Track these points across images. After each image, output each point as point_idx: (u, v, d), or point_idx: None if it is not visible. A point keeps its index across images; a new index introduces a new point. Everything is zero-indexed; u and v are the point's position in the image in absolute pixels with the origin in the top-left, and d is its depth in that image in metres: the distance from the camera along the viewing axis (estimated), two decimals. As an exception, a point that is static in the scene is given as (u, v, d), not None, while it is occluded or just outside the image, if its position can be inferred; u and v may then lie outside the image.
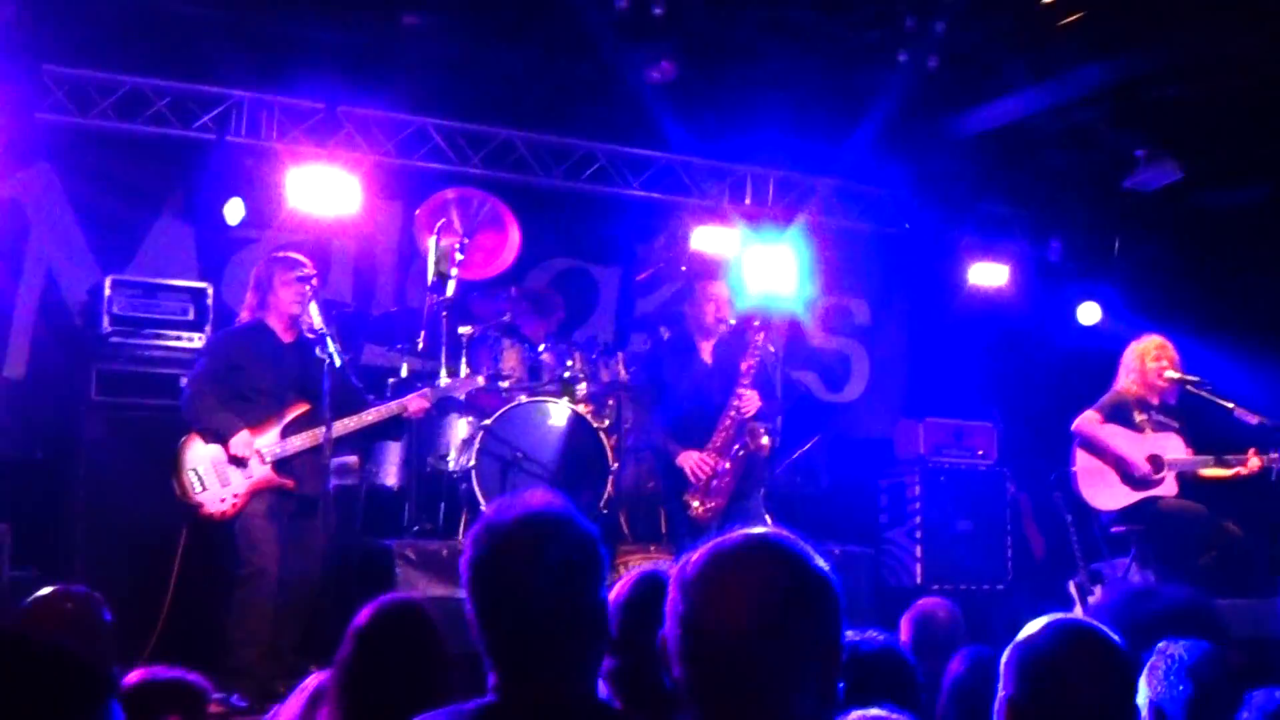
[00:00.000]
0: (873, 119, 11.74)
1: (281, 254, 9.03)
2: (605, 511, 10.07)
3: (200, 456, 8.53)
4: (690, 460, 9.34)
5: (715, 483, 9.30)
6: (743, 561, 2.54)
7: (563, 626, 3.09)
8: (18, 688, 1.77)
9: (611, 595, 3.69)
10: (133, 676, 4.71)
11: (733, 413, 9.33)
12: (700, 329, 9.72)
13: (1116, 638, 3.29)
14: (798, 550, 2.57)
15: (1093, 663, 3.19)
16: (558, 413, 10.11)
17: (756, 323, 9.65)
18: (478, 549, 3.16)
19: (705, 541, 2.63)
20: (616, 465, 10.13)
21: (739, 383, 9.35)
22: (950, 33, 9.64)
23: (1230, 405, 9.86)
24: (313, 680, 4.72)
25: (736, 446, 9.31)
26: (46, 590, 5.03)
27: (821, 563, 2.57)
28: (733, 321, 9.62)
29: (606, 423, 10.37)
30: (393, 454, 10.26)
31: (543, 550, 3.08)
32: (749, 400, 9.32)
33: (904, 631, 6.58)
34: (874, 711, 3.55)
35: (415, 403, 9.05)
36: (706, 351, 9.66)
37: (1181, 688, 4.27)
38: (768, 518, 9.65)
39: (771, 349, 9.96)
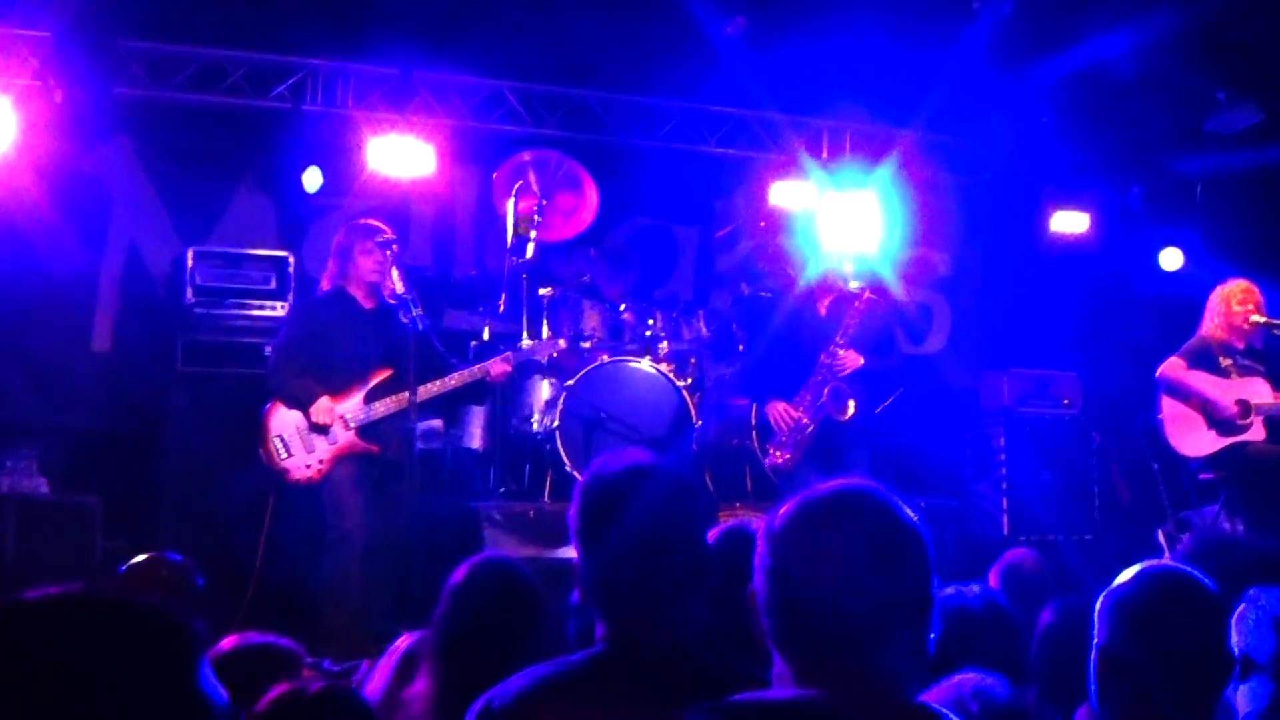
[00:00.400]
0: (949, 68, 11.66)
1: (361, 221, 9.06)
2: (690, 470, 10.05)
3: (285, 423, 8.59)
4: (776, 410, 9.32)
5: (794, 436, 9.27)
6: (831, 514, 2.53)
7: (666, 575, 3.11)
8: (120, 645, 1.79)
9: None
10: (226, 643, 4.74)
11: (824, 370, 9.29)
12: (820, 282, 9.63)
13: (1209, 583, 3.26)
14: (887, 502, 2.55)
15: (1186, 609, 3.17)
16: (640, 372, 10.12)
17: (862, 286, 9.57)
18: (586, 498, 3.20)
19: (791, 494, 2.62)
20: (700, 423, 10.13)
21: (834, 340, 9.29)
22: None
23: (1319, 347, 9.76)
24: (403, 642, 4.75)
25: (821, 406, 9.27)
26: (142, 557, 5.09)
27: (911, 514, 2.56)
28: (847, 279, 9.55)
29: (689, 380, 10.38)
30: (477, 417, 10.30)
31: (649, 499, 3.10)
32: (844, 359, 9.26)
33: (992, 582, 6.56)
34: (966, 676, 3.55)
35: (497, 367, 9.07)
36: (823, 305, 9.58)
37: (1271, 638, 4.24)
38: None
39: (879, 314, 9.81)
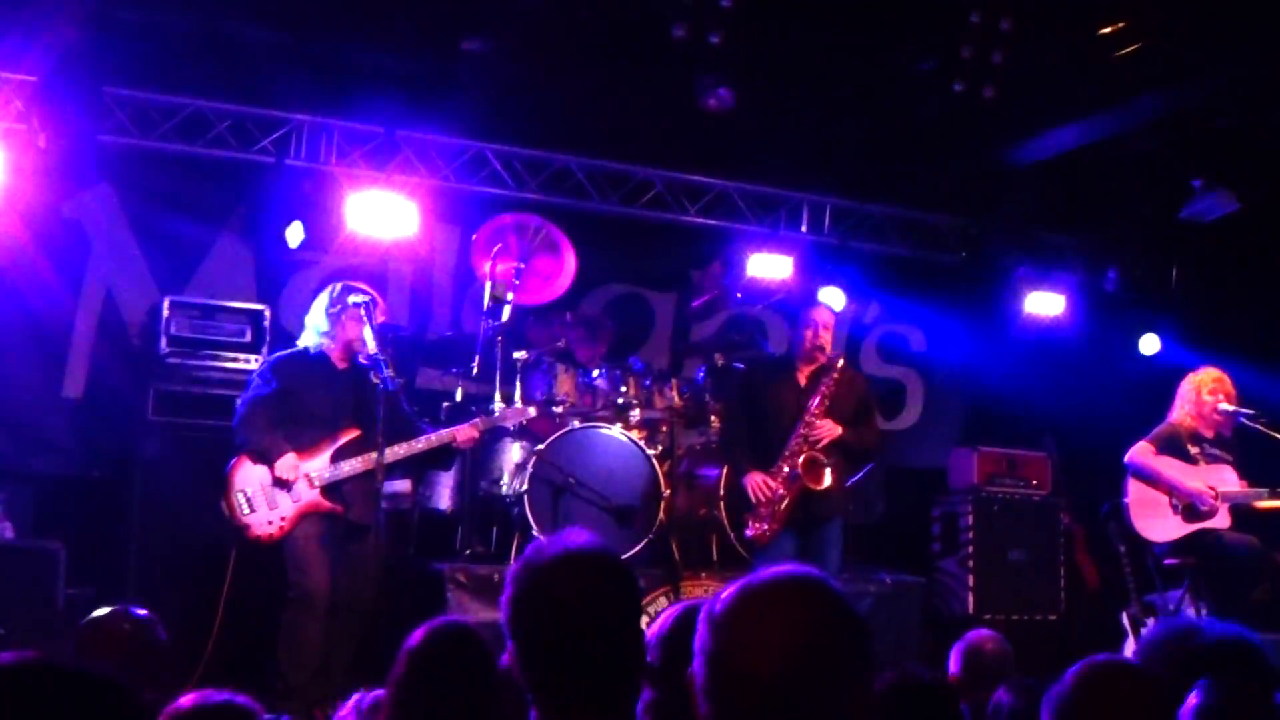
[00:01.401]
0: (929, 148, 11.74)
1: (341, 284, 9.06)
2: (656, 537, 10.07)
3: (250, 478, 8.58)
4: (753, 481, 9.32)
5: (771, 508, 9.26)
6: (772, 601, 2.51)
7: (600, 662, 3.11)
8: (71, 716, 1.80)
9: (652, 629, 3.72)
10: (184, 700, 4.74)
11: (799, 440, 9.29)
12: (800, 353, 9.65)
13: (1150, 675, 3.28)
14: (830, 591, 2.54)
15: (1123, 704, 3.18)
16: (611, 439, 10.13)
17: (839, 356, 9.60)
18: (517, 588, 3.20)
19: (754, 568, 2.62)
20: (669, 491, 10.13)
21: (809, 410, 9.30)
22: (1007, 62, 9.61)
23: (1286, 438, 9.80)
24: (353, 702, 4.77)
25: (795, 473, 9.26)
26: (104, 610, 5.07)
27: (850, 607, 2.54)
28: (828, 350, 9.56)
29: (660, 449, 10.39)
30: (446, 478, 10.29)
31: (579, 588, 3.10)
32: (821, 429, 9.27)
33: (953, 663, 6.57)
34: None
35: (464, 433, 9.06)
36: (803, 375, 9.59)
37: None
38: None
39: (856, 386, 9.81)
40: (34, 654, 1.87)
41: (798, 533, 9.34)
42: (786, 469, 9.26)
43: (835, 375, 9.38)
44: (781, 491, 9.25)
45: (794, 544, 9.30)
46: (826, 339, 9.56)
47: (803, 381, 9.53)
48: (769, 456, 9.36)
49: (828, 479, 9.23)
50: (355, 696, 4.99)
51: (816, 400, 9.31)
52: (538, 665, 3.12)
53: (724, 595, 2.55)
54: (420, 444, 8.84)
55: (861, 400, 9.68)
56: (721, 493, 10.30)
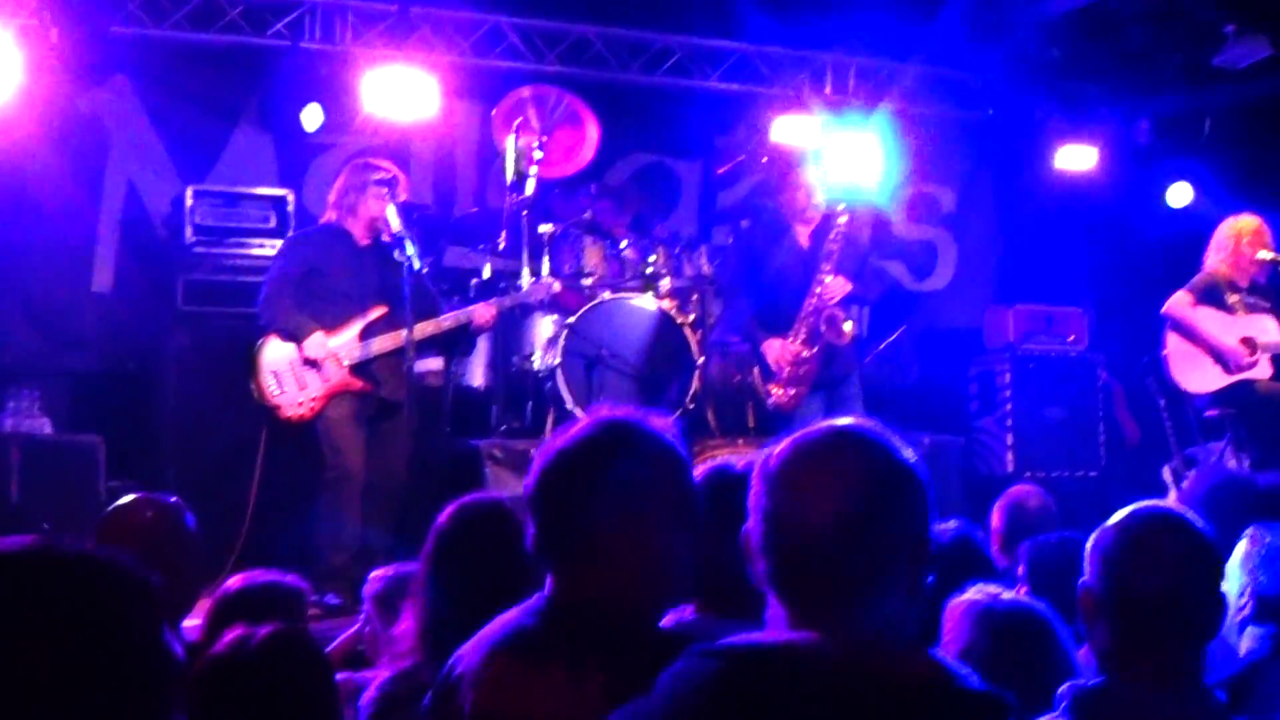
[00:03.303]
0: (956, 2, 11.56)
1: (361, 159, 9.01)
2: (691, 406, 10.05)
3: (277, 359, 8.55)
4: (773, 349, 9.28)
5: (796, 371, 9.23)
6: (827, 453, 2.49)
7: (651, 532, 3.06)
8: (76, 600, 1.76)
9: None
10: (232, 583, 4.74)
11: (814, 300, 9.23)
12: (795, 214, 9.58)
13: (1199, 523, 3.22)
14: (883, 441, 2.51)
15: (1170, 550, 3.13)
16: (641, 309, 10.07)
17: (840, 208, 9.50)
18: (541, 468, 3.13)
19: (789, 433, 2.59)
20: (702, 359, 10.08)
21: (819, 269, 9.25)
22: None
23: (1325, 285, 9.70)
24: (373, 583, 4.78)
25: (818, 334, 9.22)
26: (127, 499, 5.03)
27: (909, 453, 2.52)
28: (823, 207, 9.49)
29: (691, 317, 10.32)
30: (478, 354, 10.25)
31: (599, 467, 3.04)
32: (831, 287, 9.22)
33: (995, 519, 6.55)
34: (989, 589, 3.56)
35: (481, 313, 9.02)
36: (803, 236, 9.53)
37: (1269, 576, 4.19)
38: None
39: (861, 236, 9.76)
40: (34, 539, 1.82)
41: (824, 396, 9.34)
42: (805, 330, 9.22)
43: (840, 229, 9.31)
44: (804, 354, 9.21)
45: (822, 404, 9.28)
46: (818, 195, 9.51)
47: (804, 242, 9.47)
48: (780, 323, 9.33)
49: (849, 330, 9.19)
50: (383, 570, 4.99)
51: (825, 262, 9.26)
52: (562, 542, 3.07)
53: (778, 450, 2.51)
54: (448, 321, 8.80)
55: (875, 237, 9.68)
56: (755, 359, 10.25)
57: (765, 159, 11.89)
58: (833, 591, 2.41)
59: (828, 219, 9.42)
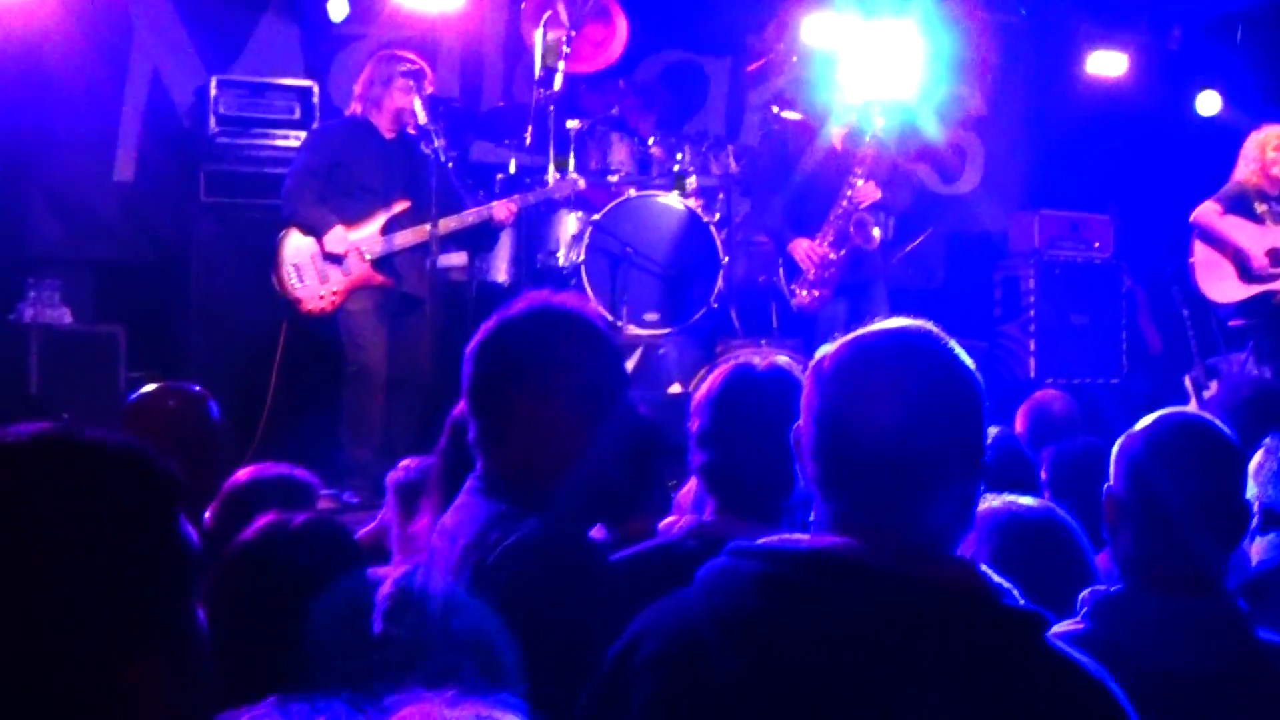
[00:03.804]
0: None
1: (391, 50, 8.96)
2: (716, 306, 10.05)
3: (299, 251, 8.53)
4: (800, 249, 9.25)
5: (822, 273, 9.20)
6: (886, 355, 2.41)
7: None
8: (90, 488, 1.75)
9: (701, 391, 3.67)
10: (241, 475, 4.74)
11: (845, 203, 9.19)
12: (829, 114, 9.52)
13: (1225, 430, 3.20)
14: (946, 347, 2.43)
15: (1197, 456, 3.12)
16: (667, 207, 10.04)
17: (876, 111, 9.44)
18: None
19: (811, 335, 2.56)
20: (727, 259, 10.06)
21: (852, 172, 9.20)
22: None
23: (1356, 196, 9.61)
24: (396, 474, 4.76)
25: (846, 237, 9.19)
26: (150, 387, 5.02)
27: (968, 359, 2.44)
28: (858, 108, 9.43)
29: (717, 216, 10.30)
30: (502, 250, 10.22)
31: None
32: (862, 191, 9.18)
33: (1020, 423, 6.56)
34: (1007, 498, 3.54)
35: (500, 210, 8.97)
36: (837, 138, 9.46)
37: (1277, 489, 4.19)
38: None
39: (893, 142, 9.70)
40: (48, 425, 1.81)
41: (849, 299, 9.30)
42: (834, 233, 9.18)
43: (877, 135, 9.26)
44: (831, 256, 9.18)
45: (846, 309, 9.25)
46: (854, 95, 9.55)
47: (838, 144, 9.40)
48: (808, 224, 9.29)
49: (877, 235, 9.15)
50: (410, 460, 4.98)
51: (858, 166, 9.20)
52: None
53: (833, 351, 2.45)
54: (471, 216, 8.77)
55: (903, 165, 9.60)
56: (780, 260, 10.23)
57: (795, 58, 11.79)
58: (885, 497, 2.35)
59: (859, 130, 9.35)
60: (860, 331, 2.47)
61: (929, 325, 2.48)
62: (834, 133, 9.42)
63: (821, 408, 2.42)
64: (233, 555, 3.33)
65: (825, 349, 2.47)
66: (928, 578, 2.25)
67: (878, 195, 9.21)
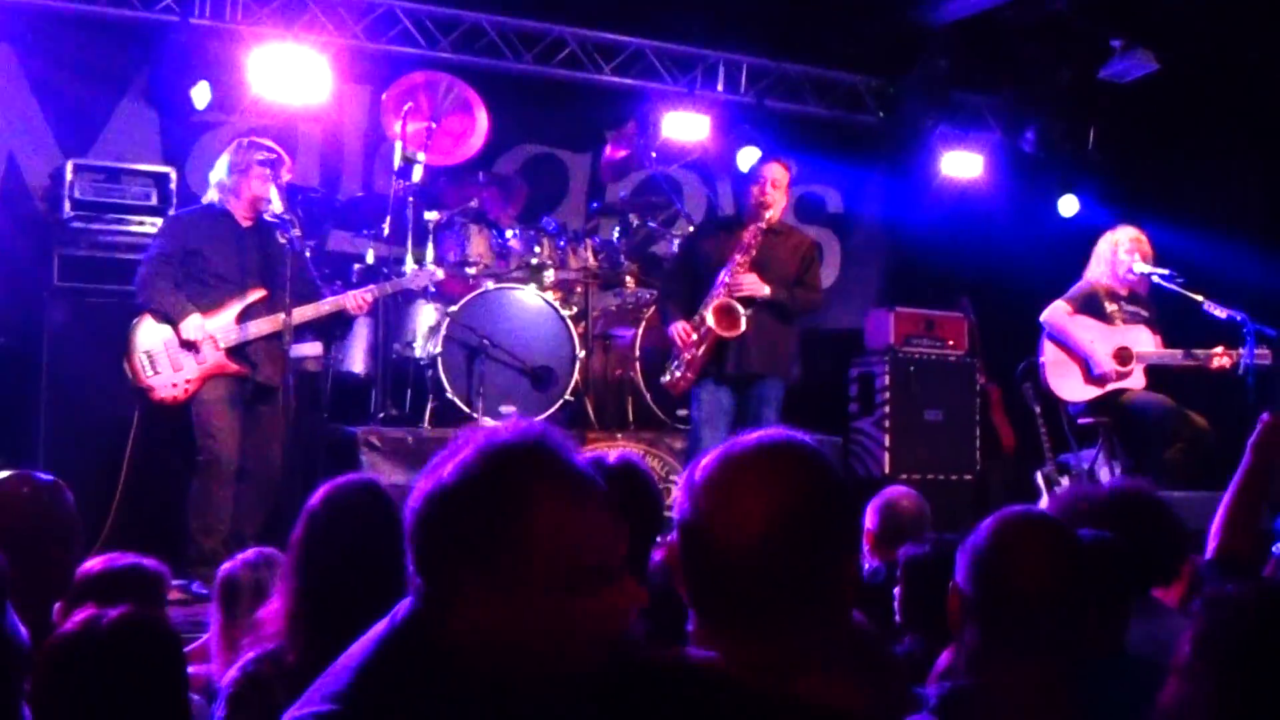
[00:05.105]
0: (847, 6, 11.63)
1: (245, 138, 8.91)
2: (572, 399, 10.06)
3: (152, 339, 8.42)
4: (675, 328, 9.14)
5: (688, 355, 9.09)
6: (754, 466, 2.41)
7: None
8: None
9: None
10: (92, 564, 4.65)
11: (721, 290, 9.07)
12: (746, 210, 9.42)
13: (1067, 527, 3.25)
14: (813, 455, 2.44)
15: (1041, 553, 3.15)
16: (525, 300, 10.07)
17: (770, 210, 9.32)
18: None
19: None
20: (584, 353, 10.09)
21: (734, 260, 9.09)
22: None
23: (1200, 298, 9.78)
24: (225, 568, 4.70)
25: (705, 326, 9.07)
26: (3, 474, 4.92)
27: (838, 471, 2.46)
28: (773, 208, 9.30)
29: (574, 310, 10.34)
30: (360, 340, 10.18)
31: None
32: (742, 281, 9.03)
33: (869, 519, 6.57)
34: None
35: (354, 300, 8.88)
36: (748, 233, 9.33)
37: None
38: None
39: (790, 244, 9.60)
40: None
41: (733, 389, 9.20)
42: (703, 317, 9.07)
43: (761, 227, 9.15)
44: (696, 338, 9.08)
45: (731, 400, 9.18)
46: (775, 197, 9.23)
47: (747, 237, 9.30)
48: (694, 309, 9.20)
49: (741, 327, 9.03)
50: (229, 562, 4.90)
51: (740, 253, 9.12)
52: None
53: (704, 462, 2.45)
54: (327, 306, 8.71)
55: (805, 262, 9.50)
56: (637, 354, 10.25)
57: (654, 154, 11.89)
58: (758, 606, 2.35)
59: (751, 220, 9.24)
60: (730, 443, 2.47)
61: (798, 434, 2.49)
62: (748, 228, 9.26)
63: (693, 519, 2.42)
64: (47, 652, 3.27)
65: (696, 460, 2.48)
66: (780, 693, 2.24)
67: (763, 291, 9.06)
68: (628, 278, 10.80)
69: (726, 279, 9.04)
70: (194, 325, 8.37)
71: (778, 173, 9.33)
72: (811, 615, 2.36)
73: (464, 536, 2.25)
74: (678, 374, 9.13)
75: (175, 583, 7.20)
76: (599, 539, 2.27)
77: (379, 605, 2.56)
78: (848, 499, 2.45)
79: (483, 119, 10.91)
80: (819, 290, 9.67)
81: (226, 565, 4.86)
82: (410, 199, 10.01)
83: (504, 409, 9.80)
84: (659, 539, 4.18)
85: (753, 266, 9.13)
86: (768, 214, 9.21)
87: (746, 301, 9.06)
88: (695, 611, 2.43)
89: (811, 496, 2.39)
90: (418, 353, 10.02)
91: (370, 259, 10.18)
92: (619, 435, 10.04)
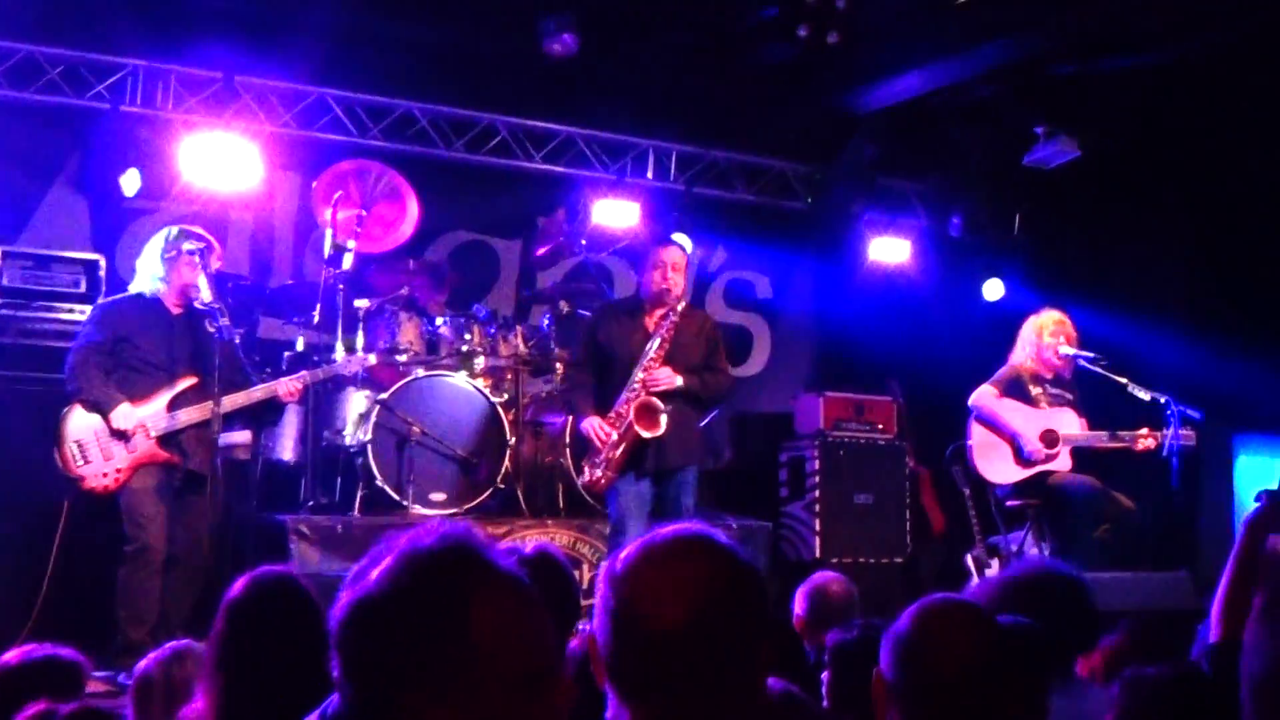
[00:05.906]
0: (774, 94, 11.74)
1: (175, 227, 8.90)
2: (503, 486, 10.06)
3: (82, 428, 8.37)
4: (590, 425, 9.04)
5: (606, 453, 9.00)
6: (672, 557, 2.55)
7: None
8: None
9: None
10: (9, 657, 4.62)
11: (636, 385, 9.00)
12: (649, 296, 9.31)
13: (986, 612, 3.29)
14: (727, 547, 2.58)
15: (961, 641, 3.18)
16: (455, 387, 10.09)
17: (679, 296, 9.27)
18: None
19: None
20: (515, 440, 10.10)
21: (647, 355, 9.01)
22: (850, 8, 9.63)
23: (1124, 381, 9.87)
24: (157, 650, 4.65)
25: (628, 421, 8.98)
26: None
27: (747, 558, 2.60)
28: (676, 292, 9.21)
29: (505, 396, 10.35)
30: (289, 428, 10.15)
31: None
32: (656, 376, 8.97)
33: (799, 605, 6.60)
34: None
35: (286, 386, 8.87)
36: (651, 320, 9.26)
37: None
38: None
39: (701, 332, 9.57)
40: None
41: (653, 480, 9.14)
42: (621, 414, 8.98)
43: (674, 319, 9.05)
44: (616, 437, 9.00)
45: (651, 492, 9.10)
46: (677, 281, 9.12)
47: (650, 326, 9.11)
48: (611, 403, 9.12)
49: (662, 426, 8.94)
50: (144, 660, 4.82)
51: (655, 345, 9.01)
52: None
53: (624, 554, 2.58)
54: (257, 393, 8.69)
55: (710, 344, 9.41)
56: (567, 440, 10.24)
57: (584, 241, 11.94)
58: (676, 694, 2.45)
59: (665, 311, 9.16)
60: (649, 535, 2.61)
61: (709, 527, 2.63)
62: (652, 314, 9.20)
63: (614, 607, 2.53)
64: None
65: (616, 553, 2.57)
66: None
67: (676, 383, 8.99)
68: (558, 364, 10.76)
69: (641, 375, 9.02)
70: (124, 414, 8.33)
71: (676, 256, 9.26)
72: (728, 696, 2.46)
73: (399, 648, 2.22)
74: (598, 473, 9.01)
75: (102, 674, 7.15)
76: (540, 640, 2.28)
77: (303, 701, 2.56)
78: (760, 588, 2.57)
79: (413, 207, 10.96)
80: (727, 372, 9.58)
81: (141, 663, 4.78)
82: (340, 286, 10.01)
83: (434, 496, 9.79)
84: (576, 628, 4.20)
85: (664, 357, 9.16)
86: (675, 301, 9.13)
87: (664, 396, 9.03)
88: (619, 697, 2.49)
89: (726, 584, 2.52)
90: (348, 440, 10.02)
91: (301, 346, 10.16)
92: (549, 522, 10.03)
